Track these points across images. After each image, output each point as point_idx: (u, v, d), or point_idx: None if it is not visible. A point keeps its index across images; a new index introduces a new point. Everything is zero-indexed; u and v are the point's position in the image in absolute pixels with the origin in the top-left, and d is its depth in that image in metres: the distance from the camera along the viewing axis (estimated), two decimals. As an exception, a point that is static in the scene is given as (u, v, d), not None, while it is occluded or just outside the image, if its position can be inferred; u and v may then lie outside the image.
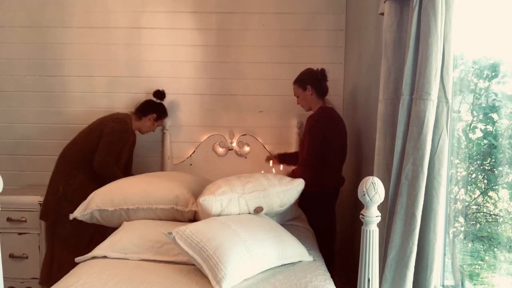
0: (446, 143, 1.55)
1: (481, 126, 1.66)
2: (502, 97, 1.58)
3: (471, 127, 1.70)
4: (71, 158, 2.75)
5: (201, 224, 1.77)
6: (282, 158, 2.97)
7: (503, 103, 1.57)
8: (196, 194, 2.15)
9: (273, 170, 3.01)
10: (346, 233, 2.97)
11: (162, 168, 3.27)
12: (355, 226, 2.64)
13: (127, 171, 2.99)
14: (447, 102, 1.54)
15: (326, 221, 2.63)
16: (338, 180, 2.63)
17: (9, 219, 2.86)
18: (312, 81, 2.59)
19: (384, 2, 1.73)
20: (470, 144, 1.73)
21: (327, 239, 2.60)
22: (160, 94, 3.06)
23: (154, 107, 2.98)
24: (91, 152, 2.70)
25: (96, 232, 2.53)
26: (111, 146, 2.69)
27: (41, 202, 2.88)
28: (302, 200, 2.46)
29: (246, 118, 3.27)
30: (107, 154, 2.67)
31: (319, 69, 2.62)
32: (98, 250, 1.92)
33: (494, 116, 1.61)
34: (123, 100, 3.22)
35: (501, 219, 1.65)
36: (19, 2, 3.22)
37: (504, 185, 1.60)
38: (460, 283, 1.74)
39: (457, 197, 1.80)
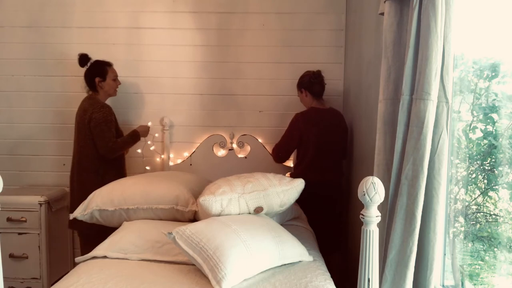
0: (446, 143, 1.55)
1: (481, 126, 1.66)
2: (502, 97, 1.58)
3: (471, 127, 1.69)
4: (90, 166, 2.70)
5: (201, 224, 1.77)
6: None
7: (503, 103, 1.57)
8: (196, 194, 2.15)
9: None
10: (345, 232, 2.97)
11: (162, 168, 3.27)
12: (355, 225, 2.64)
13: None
14: (447, 102, 1.54)
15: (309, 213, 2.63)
16: (313, 176, 2.63)
17: (9, 219, 2.86)
18: (304, 85, 2.85)
19: (384, 2, 1.73)
20: (470, 144, 1.72)
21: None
22: (82, 59, 2.80)
23: (91, 74, 2.78)
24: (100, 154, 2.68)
25: None
26: (105, 133, 2.64)
27: (41, 202, 2.88)
28: None
29: (246, 118, 3.27)
30: (107, 142, 2.63)
31: (314, 71, 2.84)
32: (98, 250, 1.92)
33: (494, 116, 1.61)
34: (123, 100, 3.22)
35: (501, 219, 1.65)
36: (19, 2, 3.22)
37: (504, 185, 1.60)
38: (460, 283, 1.74)
39: (457, 197, 1.80)
